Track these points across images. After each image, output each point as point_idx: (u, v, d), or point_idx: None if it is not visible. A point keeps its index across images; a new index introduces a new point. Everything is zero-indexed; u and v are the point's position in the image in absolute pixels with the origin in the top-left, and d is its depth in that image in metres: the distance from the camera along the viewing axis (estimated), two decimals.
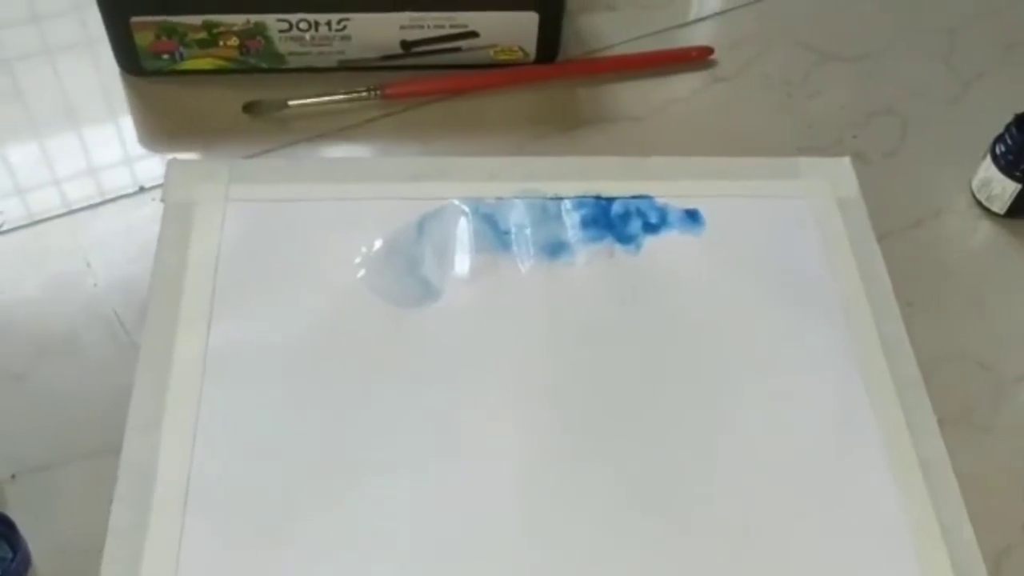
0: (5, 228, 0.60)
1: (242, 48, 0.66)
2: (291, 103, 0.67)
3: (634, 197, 0.63)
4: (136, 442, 0.51)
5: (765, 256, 0.61)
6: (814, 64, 0.72)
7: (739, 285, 0.60)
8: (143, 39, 0.65)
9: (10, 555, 0.47)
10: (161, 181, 0.62)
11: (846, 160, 0.65)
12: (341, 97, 0.67)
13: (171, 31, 0.65)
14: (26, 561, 0.48)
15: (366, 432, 0.53)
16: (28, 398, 0.54)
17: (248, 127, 0.66)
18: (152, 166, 0.64)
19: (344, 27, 0.66)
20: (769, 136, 0.68)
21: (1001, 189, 0.64)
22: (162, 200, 0.60)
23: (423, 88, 0.68)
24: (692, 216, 0.62)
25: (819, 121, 0.69)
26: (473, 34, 0.67)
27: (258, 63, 0.67)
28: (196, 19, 0.64)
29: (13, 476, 0.51)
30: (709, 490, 0.52)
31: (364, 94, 0.67)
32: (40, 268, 0.59)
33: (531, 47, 0.69)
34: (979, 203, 0.65)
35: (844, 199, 0.63)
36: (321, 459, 0.52)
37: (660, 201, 0.63)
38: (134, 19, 0.64)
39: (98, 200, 0.62)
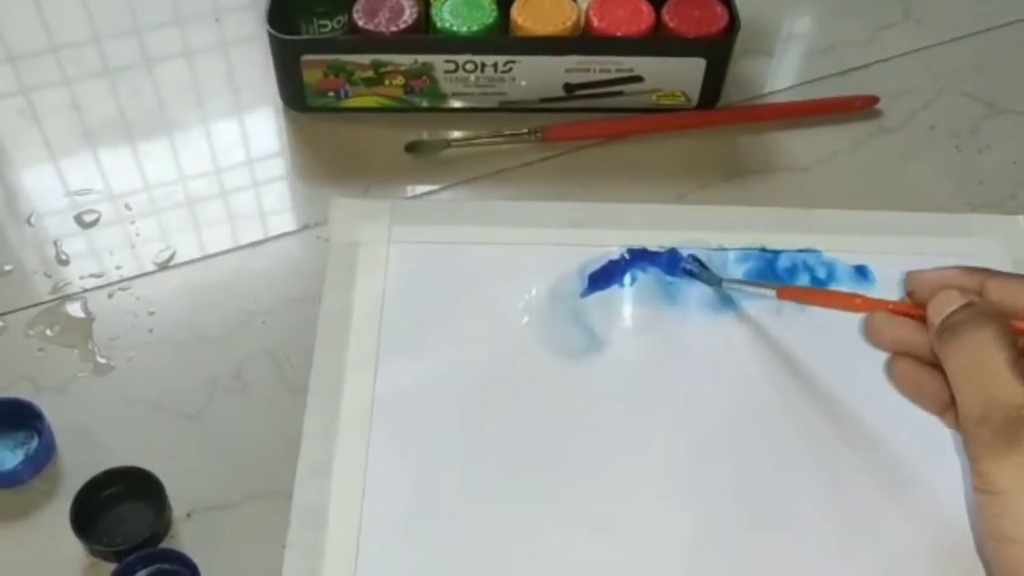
0: (173, 263, 0.61)
1: (406, 87, 0.66)
2: (453, 143, 0.67)
3: (801, 251, 0.61)
4: (307, 487, 0.51)
5: None
6: (983, 116, 0.70)
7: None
8: (311, 77, 0.66)
9: None
10: (322, 219, 0.63)
11: (1021, 219, 0.63)
12: (503, 138, 0.67)
13: (339, 69, 0.65)
14: None
15: (532, 482, 0.52)
16: (201, 437, 0.54)
17: (408, 166, 0.67)
18: (313, 203, 0.65)
19: (510, 68, 0.66)
20: (937, 191, 0.66)
21: None
22: (327, 240, 0.61)
23: (586, 131, 0.68)
24: (861, 272, 0.60)
25: (990, 176, 0.67)
26: (638, 79, 0.67)
27: (419, 102, 0.68)
28: (365, 58, 0.64)
29: (188, 515, 0.51)
30: (892, 549, 0.51)
31: (526, 135, 0.67)
32: (210, 305, 0.59)
33: (694, 92, 0.68)
34: None
35: (1019, 259, 0.61)
36: (489, 507, 0.52)
37: (828, 256, 0.61)
38: (305, 58, 0.64)
39: (262, 237, 0.63)
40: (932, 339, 0.43)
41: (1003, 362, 0.40)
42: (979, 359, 0.40)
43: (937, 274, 0.45)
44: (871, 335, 0.47)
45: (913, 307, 0.45)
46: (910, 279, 0.46)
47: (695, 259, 0.60)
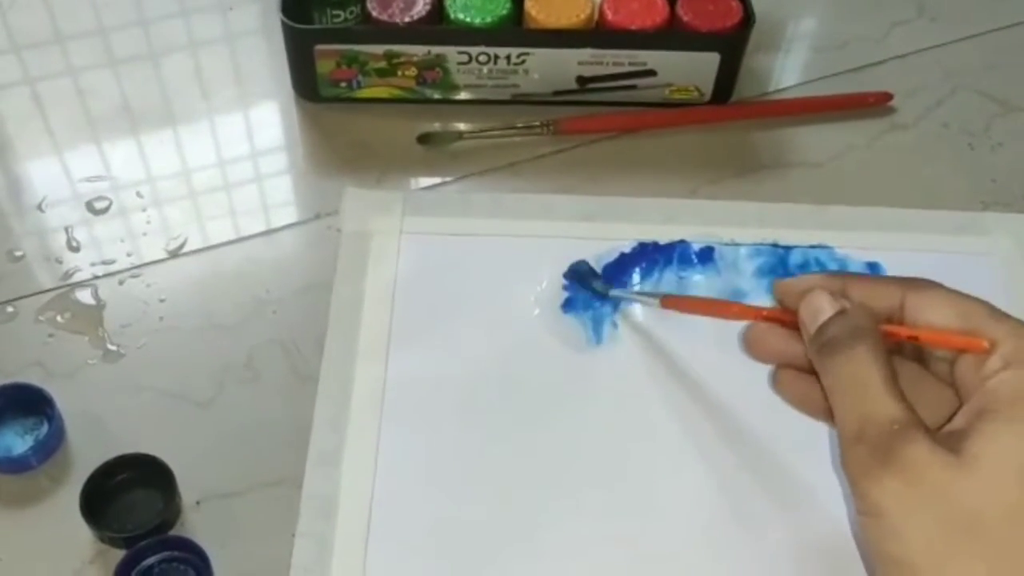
0: (184, 251, 0.61)
1: (419, 78, 0.66)
2: (466, 135, 0.66)
3: (813, 247, 0.61)
4: (317, 476, 0.51)
5: None
6: (996, 115, 0.70)
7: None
8: (324, 66, 0.65)
9: None
10: (333, 208, 0.63)
11: None
12: (515, 130, 0.67)
13: (352, 60, 0.65)
14: None
15: (542, 471, 0.52)
16: (211, 426, 0.54)
17: (420, 157, 0.66)
18: (325, 193, 0.64)
19: (523, 61, 0.65)
20: (950, 188, 0.66)
21: None
22: (339, 230, 0.61)
23: (599, 125, 0.67)
24: (873, 269, 0.60)
25: (1003, 175, 0.67)
26: (651, 72, 0.66)
27: (431, 94, 0.68)
28: (378, 49, 0.64)
29: (198, 503, 0.51)
30: None
31: (538, 128, 0.67)
32: (221, 294, 0.59)
33: (707, 87, 0.68)
34: None
35: None
36: (499, 496, 0.52)
37: (840, 252, 0.61)
38: (318, 47, 0.64)
39: (274, 226, 0.63)
40: (809, 351, 0.41)
41: (878, 379, 0.38)
42: (855, 376, 0.39)
43: (801, 280, 0.44)
44: (751, 349, 0.45)
45: (786, 313, 0.43)
46: (776, 288, 0.45)
47: (587, 266, 0.59)
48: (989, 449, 0.36)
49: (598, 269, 0.59)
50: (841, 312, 0.41)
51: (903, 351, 0.43)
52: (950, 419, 0.40)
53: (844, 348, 0.40)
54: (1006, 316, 0.40)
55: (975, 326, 0.39)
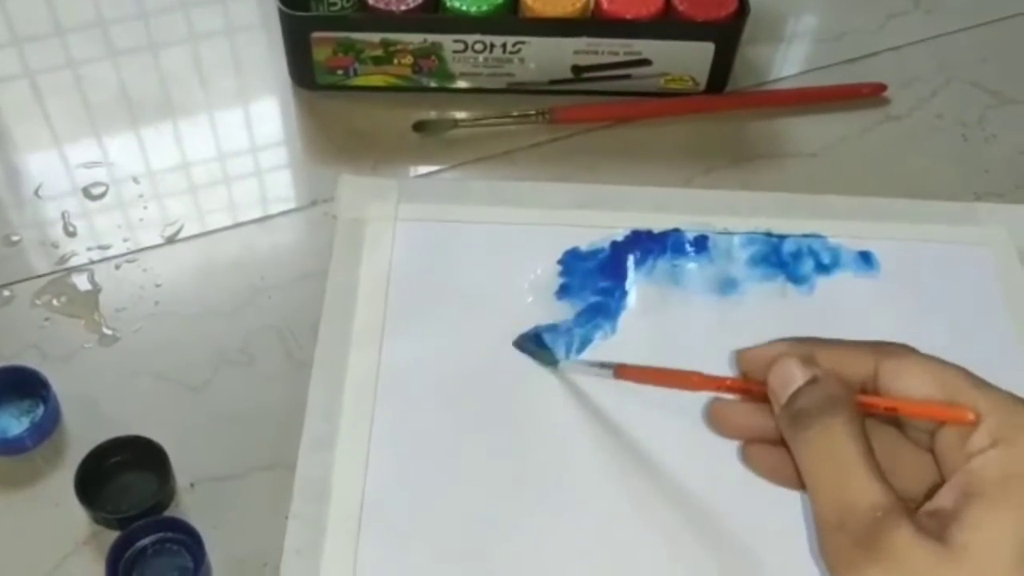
0: (181, 237, 0.61)
1: (415, 67, 0.67)
2: (461, 123, 0.67)
3: (806, 235, 0.61)
4: (311, 460, 0.51)
5: (942, 305, 0.59)
6: (990, 106, 0.71)
7: (915, 334, 0.57)
8: (320, 54, 0.66)
9: (192, 566, 0.48)
10: (329, 195, 0.63)
11: None
12: (510, 119, 0.67)
13: (349, 47, 0.65)
14: (207, 574, 0.48)
15: (534, 457, 0.53)
16: (205, 410, 0.54)
17: (415, 145, 0.67)
18: (321, 180, 0.65)
19: (519, 49, 0.66)
20: (943, 179, 0.66)
21: None
22: (335, 217, 0.61)
23: (593, 114, 0.68)
24: (866, 258, 0.61)
25: (996, 166, 0.67)
26: (646, 62, 0.67)
27: (427, 82, 0.68)
28: (375, 37, 0.65)
29: (192, 485, 0.52)
30: None
31: (534, 117, 0.67)
32: (217, 279, 0.60)
33: (702, 77, 0.68)
34: None
35: None
36: (491, 482, 0.52)
37: (833, 241, 0.61)
38: (315, 35, 0.64)
39: (270, 213, 0.63)
40: (780, 423, 0.39)
41: (857, 457, 0.36)
42: (831, 454, 0.36)
43: (766, 348, 0.41)
44: (717, 427, 0.43)
45: (752, 384, 0.41)
46: (739, 357, 0.42)
47: (537, 336, 0.56)
48: (977, 537, 0.34)
49: (592, 260, 0.60)
50: (813, 380, 0.38)
51: (876, 415, 0.40)
52: (930, 490, 0.38)
53: (818, 421, 0.37)
54: (987, 385, 0.37)
55: (955, 395, 0.37)
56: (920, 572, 0.34)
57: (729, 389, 0.42)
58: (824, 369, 0.39)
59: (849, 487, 0.36)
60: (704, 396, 0.44)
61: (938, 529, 0.35)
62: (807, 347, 0.40)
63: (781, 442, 0.39)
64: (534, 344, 0.56)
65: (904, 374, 0.38)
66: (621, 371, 0.50)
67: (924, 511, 0.37)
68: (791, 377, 0.39)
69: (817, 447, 0.37)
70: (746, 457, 0.42)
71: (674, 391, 0.46)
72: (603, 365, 0.51)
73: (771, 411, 0.40)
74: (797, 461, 0.38)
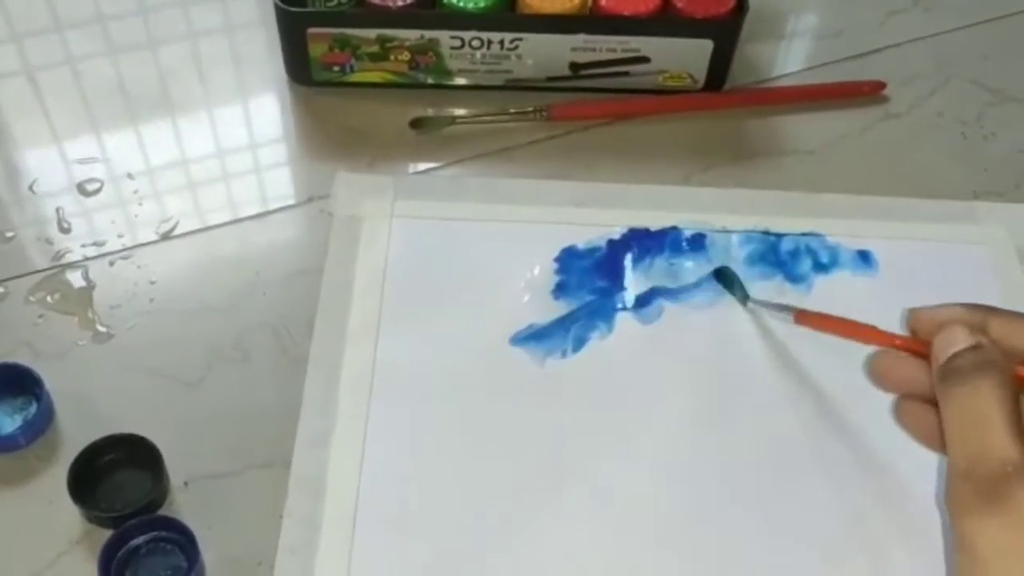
0: (176, 234, 0.61)
1: (412, 63, 0.66)
2: (458, 120, 0.66)
3: (804, 234, 0.61)
4: (306, 458, 0.51)
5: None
6: (990, 104, 0.70)
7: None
8: (316, 50, 0.65)
9: (185, 565, 0.48)
10: (325, 192, 0.63)
11: None
12: (508, 116, 0.67)
13: (345, 43, 0.65)
14: (201, 573, 0.48)
15: (529, 455, 0.52)
16: (200, 407, 0.54)
17: (412, 142, 0.66)
18: (317, 177, 0.64)
19: (516, 46, 0.65)
20: (943, 177, 0.66)
21: None
22: (330, 213, 0.61)
23: (591, 111, 0.67)
24: (864, 257, 0.60)
25: (995, 164, 0.67)
26: (644, 59, 0.66)
27: (425, 79, 0.67)
28: (371, 33, 0.64)
29: (186, 483, 0.51)
30: (890, 539, 0.50)
31: (531, 114, 0.67)
32: (212, 276, 0.59)
33: (701, 74, 0.68)
34: None
35: (1023, 248, 0.61)
36: (487, 479, 0.52)
37: (831, 240, 0.61)
38: (311, 30, 0.64)
39: (265, 209, 0.63)
40: (934, 380, 0.40)
41: (999, 416, 0.37)
42: (975, 410, 0.38)
43: (940, 311, 0.42)
44: (878, 378, 0.44)
45: (920, 344, 0.42)
46: (912, 317, 0.43)
47: (730, 272, 0.59)
48: None
49: (589, 258, 0.59)
50: (975, 346, 0.39)
51: None
52: None
53: (968, 379, 0.38)
54: None
55: None
56: None
57: (899, 347, 0.44)
58: (991, 338, 0.40)
59: (984, 439, 0.37)
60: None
61: None
62: (981, 315, 0.41)
63: (934, 402, 0.41)
64: (731, 279, 0.58)
65: None
66: (801, 317, 0.52)
67: None
68: (955, 340, 0.40)
69: (963, 403, 0.38)
70: (899, 413, 0.44)
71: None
72: (786, 308, 0.54)
73: (930, 369, 0.41)
74: (943, 413, 0.39)
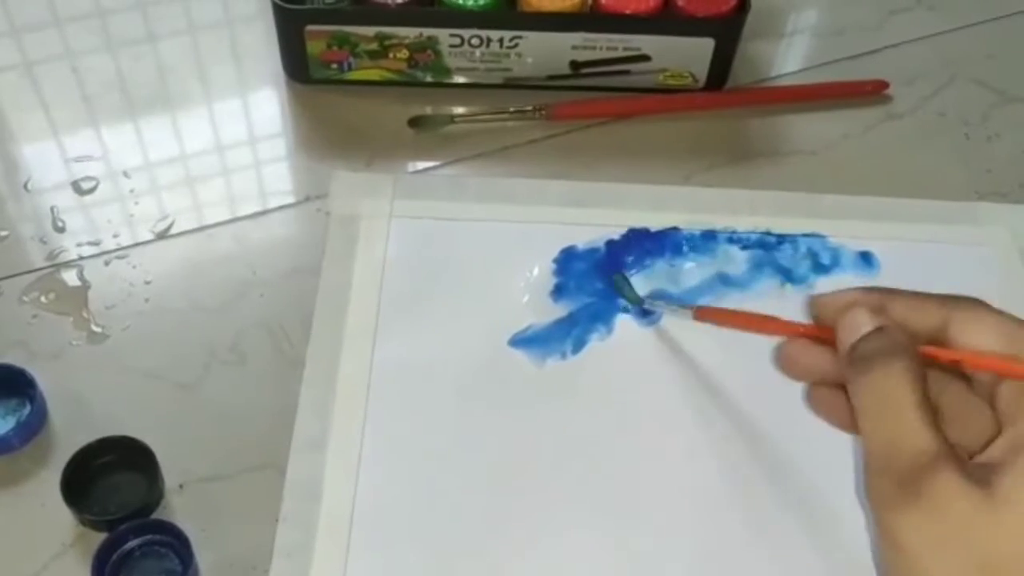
0: (172, 233, 0.61)
1: (411, 61, 0.66)
2: (457, 119, 0.66)
3: (806, 235, 0.61)
4: (302, 461, 0.51)
5: None
6: (993, 104, 0.70)
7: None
8: (315, 48, 0.65)
9: (180, 569, 0.47)
10: (322, 191, 0.62)
11: None
12: (507, 115, 0.66)
13: (343, 41, 0.64)
14: None
15: (527, 458, 0.52)
16: (195, 409, 0.53)
17: (411, 141, 0.66)
18: (314, 176, 0.64)
19: (516, 44, 0.65)
20: (945, 178, 0.66)
21: None
22: (328, 213, 0.60)
23: (592, 110, 0.67)
24: (865, 259, 0.60)
25: (999, 165, 0.66)
26: (645, 58, 0.66)
27: (423, 77, 0.67)
28: (369, 30, 0.64)
29: (181, 486, 0.51)
30: None
31: (531, 113, 0.66)
32: (208, 276, 0.59)
33: (702, 73, 0.67)
34: None
35: None
36: (484, 482, 0.51)
37: (833, 241, 0.60)
38: (309, 28, 0.64)
39: (262, 208, 0.62)
40: (842, 367, 0.39)
41: (911, 402, 0.36)
42: (885, 397, 0.37)
43: (839, 295, 0.41)
44: (785, 366, 0.43)
45: (824, 330, 0.42)
46: (812, 303, 0.43)
47: (623, 277, 0.57)
48: (1021, 490, 0.34)
49: (588, 259, 0.59)
50: (879, 329, 0.39)
51: (941, 367, 0.40)
52: (989, 443, 0.38)
53: (877, 366, 0.38)
54: None
55: (1021, 351, 0.37)
56: (959, 517, 0.35)
57: (802, 335, 0.43)
58: (893, 319, 0.39)
59: (898, 430, 0.36)
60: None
61: (985, 478, 0.35)
62: (878, 297, 0.41)
63: (844, 386, 0.40)
64: (625, 282, 0.57)
65: (972, 328, 0.38)
66: (701, 313, 0.52)
67: (976, 461, 0.37)
68: (858, 325, 0.39)
69: (873, 390, 0.38)
70: (811, 399, 0.43)
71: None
72: (683, 306, 0.54)
73: (837, 356, 0.40)
74: (853, 403, 0.38)
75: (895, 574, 0.36)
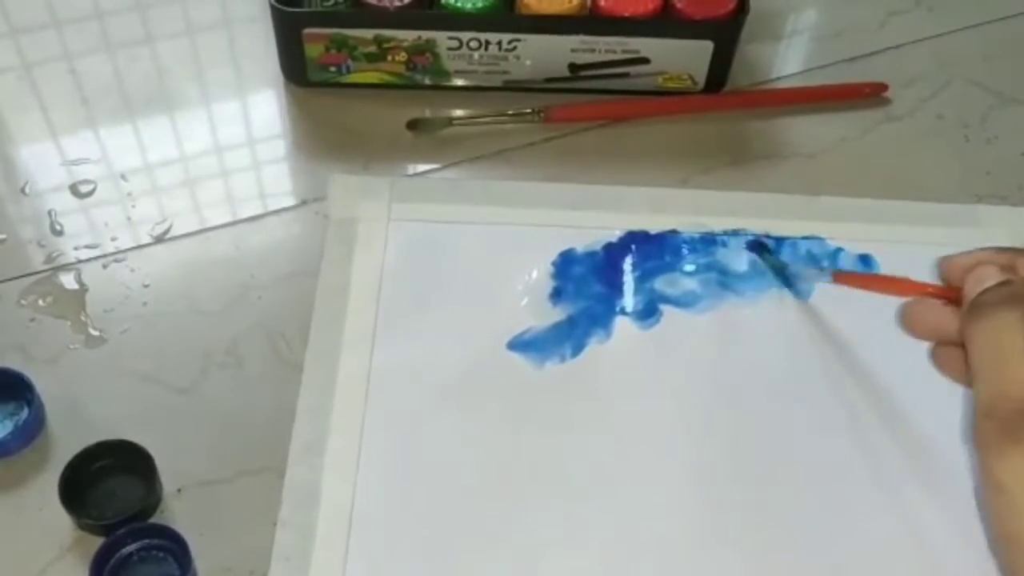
0: (169, 236, 0.61)
1: (409, 64, 0.66)
2: (456, 122, 0.66)
3: (805, 238, 0.61)
4: (300, 465, 0.51)
5: None
6: (992, 106, 0.70)
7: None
8: (313, 51, 0.65)
9: (178, 573, 0.47)
10: (320, 194, 0.62)
11: None
12: (506, 117, 0.66)
13: (342, 44, 0.64)
14: None
15: (527, 463, 0.52)
16: (193, 412, 0.53)
17: (408, 143, 0.66)
18: (312, 179, 0.64)
19: (515, 47, 0.65)
20: (944, 180, 0.65)
21: None
22: (326, 216, 0.60)
23: (590, 113, 0.67)
24: (865, 261, 0.60)
25: (998, 167, 0.66)
26: (644, 60, 0.66)
27: (422, 79, 0.67)
28: (368, 33, 0.64)
29: (179, 490, 0.51)
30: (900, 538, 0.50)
31: (529, 115, 0.66)
32: (206, 279, 0.59)
33: (701, 76, 0.67)
34: None
35: None
36: (483, 486, 0.51)
37: (832, 243, 0.60)
38: (307, 30, 0.63)
39: (260, 212, 0.62)
40: (962, 316, 0.41)
41: (1021, 351, 0.37)
42: (997, 343, 0.38)
43: (970, 255, 0.43)
44: (911, 325, 0.45)
45: (951, 290, 0.43)
46: (942, 265, 0.44)
47: (762, 244, 0.60)
48: None
49: (587, 263, 0.59)
50: (1004, 282, 0.40)
51: None
52: None
53: (994, 313, 0.39)
54: None
55: None
56: None
57: (930, 294, 0.44)
58: (1022, 277, 0.40)
59: (1007, 376, 0.37)
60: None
61: None
62: (1009, 256, 0.42)
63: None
64: (765, 249, 0.60)
65: None
66: (838, 276, 0.55)
67: None
68: (985, 277, 0.40)
69: (987, 336, 0.39)
70: (935, 357, 0.44)
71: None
72: (821, 270, 0.58)
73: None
74: (968, 348, 0.39)
75: (997, 515, 0.37)
